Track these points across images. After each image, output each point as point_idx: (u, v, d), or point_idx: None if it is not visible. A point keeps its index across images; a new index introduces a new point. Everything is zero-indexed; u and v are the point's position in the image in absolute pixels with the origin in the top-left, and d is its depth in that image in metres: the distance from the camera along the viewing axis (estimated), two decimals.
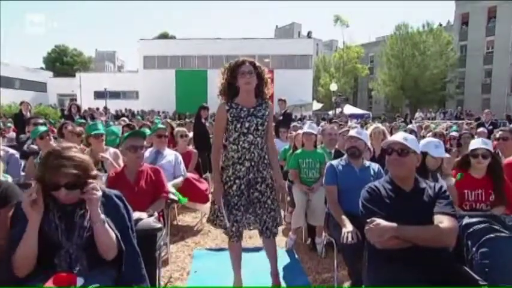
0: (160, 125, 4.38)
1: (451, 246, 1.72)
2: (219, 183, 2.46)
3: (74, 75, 33.33)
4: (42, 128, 3.70)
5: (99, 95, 29.20)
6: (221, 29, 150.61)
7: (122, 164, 3.24)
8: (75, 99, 29.05)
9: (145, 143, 2.87)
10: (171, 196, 3.09)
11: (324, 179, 2.92)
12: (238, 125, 2.38)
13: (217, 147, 2.51)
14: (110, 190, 1.81)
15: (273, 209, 2.50)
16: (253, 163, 2.42)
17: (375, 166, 2.90)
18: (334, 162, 2.93)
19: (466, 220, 1.93)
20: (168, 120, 6.41)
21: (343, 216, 2.53)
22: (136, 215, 2.29)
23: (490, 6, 31.46)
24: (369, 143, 3.07)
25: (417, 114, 22.90)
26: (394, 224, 1.70)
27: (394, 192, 1.89)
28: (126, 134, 2.86)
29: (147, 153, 3.88)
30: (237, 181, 2.43)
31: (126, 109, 23.87)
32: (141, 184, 2.69)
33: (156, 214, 2.52)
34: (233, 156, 2.43)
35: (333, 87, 25.68)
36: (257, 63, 2.42)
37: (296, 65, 29.78)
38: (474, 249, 1.79)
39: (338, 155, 3.73)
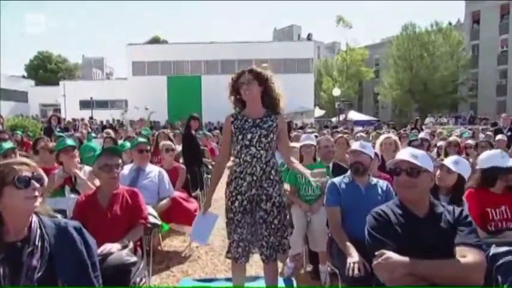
0: (140, 138, 4.20)
1: (479, 285, 1.54)
2: (210, 197, 2.61)
3: (58, 84, 33.30)
4: (7, 145, 3.54)
5: (84, 104, 29.14)
6: (216, 33, 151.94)
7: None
8: (59, 110, 28.98)
9: (120, 161, 2.70)
10: (152, 220, 2.93)
11: (324, 199, 2.76)
12: (240, 137, 2.42)
13: (220, 160, 2.63)
14: (66, 221, 1.66)
15: (280, 229, 2.45)
16: (255, 178, 2.40)
17: (383, 184, 2.74)
18: (336, 179, 2.79)
19: (493, 250, 1.76)
20: (166, 131, 6.18)
21: (348, 243, 2.38)
22: (106, 247, 2.15)
23: (502, 3, 31.75)
24: (373, 154, 2.89)
25: (427, 120, 22.80)
26: (407, 259, 1.54)
27: (405, 218, 1.73)
28: (98, 152, 2.70)
29: (126, 170, 3.72)
30: (238, 197, 2.42)
31: (113, 119, 23.75)
32: (115, 209, 2.53)
33: (131, 245, 2.36)
34: (235, 171, 2.45)
35: (336, 92, 25.71)
36: (258, 70, 2.47)
37: (296, 69, 29.79)
38: (506, 286, 1.61)
39: (337, 169, 3.58)
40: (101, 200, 2.56)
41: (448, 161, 2.62)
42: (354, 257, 2.21)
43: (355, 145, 2.81)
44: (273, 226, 2.41)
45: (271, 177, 2.42)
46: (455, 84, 31.85)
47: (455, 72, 30.82)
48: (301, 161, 3.60)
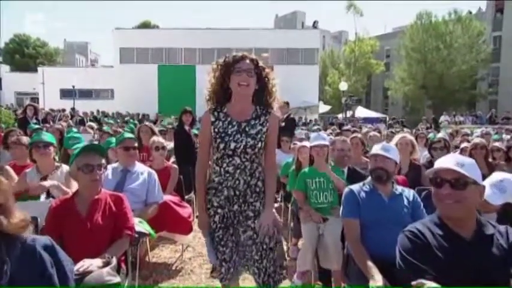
0: (127, 134, 4.03)
1: None
2: (203, 212, 2.30)
3: (36, 70, 32.96)
4: None
5: (66, 93, 28.89)
6: (212, 18, 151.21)
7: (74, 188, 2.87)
8: (37, 99, 28.67)
9: (104, 161, 2.53)
10: (138, 229, 2.80)
11: (341, 210, 2.61)
12: (222, 145, 2.20)
13: (201, 166, 2.34)
14: (34, 238, 1.49)
15: (272, 248, 2.26)
16: (237, 192, 2.24)
17: (409, 193, 2.60)
18: (355, 187, 2.64)
19: None
20: (148, 124, 6.00)
21: (370, 263, 2.24)
22: (85, 264, 2.00)
23: None
24: (398, 159, 2.73)
25: (442, 118, 22.72)
26: None
27: (447, 240, 1.59)
28: (77, 150, 2.52)
29: (111, 171, 3.54)
30: (219, 210, 2.27)
31: (98, 111, 23.54)
32: (96, 218, 2.37)
33: (114, 261, 2.19)
34: (214, 180, 2.28)
35: (343, 86, 25.62)
36: (261, 63, 2.23)
37: (300, 60, 29.69)
38: None
39: (353, 175, 3.43)
40: (80, 207, 2.39)
41: (490, 191, 2.07)
42: (377, 280, 2.08)
43: (376, 148, 2.65)
44: (264, 246, 2.22)
45: (257, 189, 2.25)
46: (474, 79, 31.80)
47: (475, 66, 30.75)
48: (311, 163, 3.45)
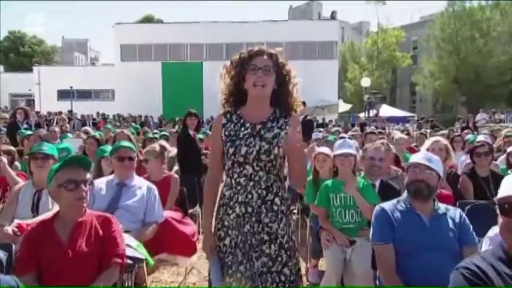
0: (122, 142, 3.90)
1: None
2: (209, 231, 2.20)
3: (32, 70, 33.55)
4: None
5: (63, 94, 29.29)
6: (220, 11, 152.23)
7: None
8: (33, 101, 29.13)
9: (89, 176, 2.38)
10: (132, 253, 2.65)
11: (371, 234, 2.43)
12: (232, 150, 2.07)
13: (210, 177, 2.27)
14: None
15: (294, 282, 2.08)
16: (249, 209, 2.05)
17: (455, 213, 2.40)
18: (387, 205, 2.45)
19: None
20: (125, 131, 5.81)
21: None
22: None
23: None
24: (442, 170, 2.52)
25: (479, 116, 22.26)
26: None
27: None
28: (56, 164, 2.37)
29: (104, 185, 3.40)
30: (230, 232, 2.12)
31: (98, 113, 23.74)
32: (80, 245, 2.22)
33: None
34: (224, 194, 2.16)
35: (365, 82, 25.46)
36: (281, 60, 2.14)
37: (317, 54, 29.59)
38: None
39: (386, 190, 3.21)
40: (60, 232, 2.24)
41: None
42: None
43: (417, 157, 2.45)
44: (282, 278, 2.03)
45: (275, 207, 2.07)
46: None
47: None
48: (335, 174, 3.25)
